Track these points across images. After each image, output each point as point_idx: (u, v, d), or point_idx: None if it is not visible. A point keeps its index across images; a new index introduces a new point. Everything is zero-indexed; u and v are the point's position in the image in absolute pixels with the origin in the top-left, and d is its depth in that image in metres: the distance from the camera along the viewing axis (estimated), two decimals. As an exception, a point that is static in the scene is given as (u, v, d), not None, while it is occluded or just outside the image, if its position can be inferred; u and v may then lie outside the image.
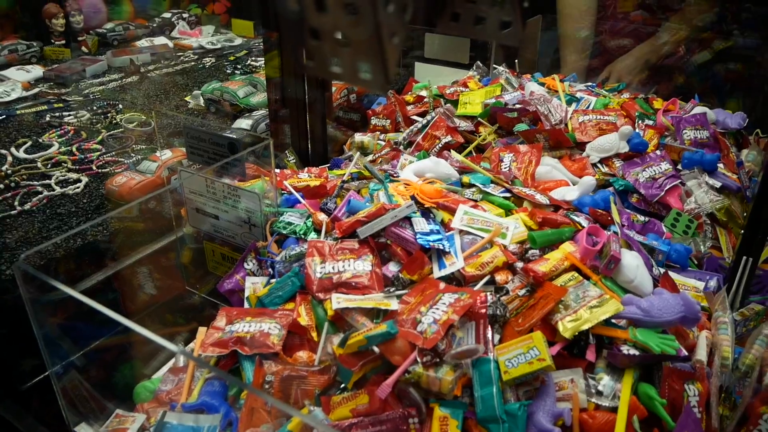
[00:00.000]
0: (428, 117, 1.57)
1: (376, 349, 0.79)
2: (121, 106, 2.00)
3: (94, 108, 1.98)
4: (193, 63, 2.58)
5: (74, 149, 1.67)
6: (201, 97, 2.01)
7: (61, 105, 2.02)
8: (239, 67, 2.50)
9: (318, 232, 1.01)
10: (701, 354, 0.78)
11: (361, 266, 0.91)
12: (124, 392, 0.91)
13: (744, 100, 2.03)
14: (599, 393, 0.75)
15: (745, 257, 1.02)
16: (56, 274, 1.10)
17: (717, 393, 0.74)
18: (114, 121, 1.88)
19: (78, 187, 1.47)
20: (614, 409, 0.73)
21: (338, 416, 0.78)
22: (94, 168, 1.57)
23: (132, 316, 1.12)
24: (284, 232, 1.03)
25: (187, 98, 2.10)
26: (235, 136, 1.08)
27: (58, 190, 1.45)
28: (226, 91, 1.94)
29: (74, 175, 1.53)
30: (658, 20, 2.20)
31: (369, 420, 0.76)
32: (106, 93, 2.17)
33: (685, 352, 0.77)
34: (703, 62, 2.11)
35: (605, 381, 0.75)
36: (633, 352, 0.76)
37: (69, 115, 1.91)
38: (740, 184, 1.27)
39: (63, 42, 2.58)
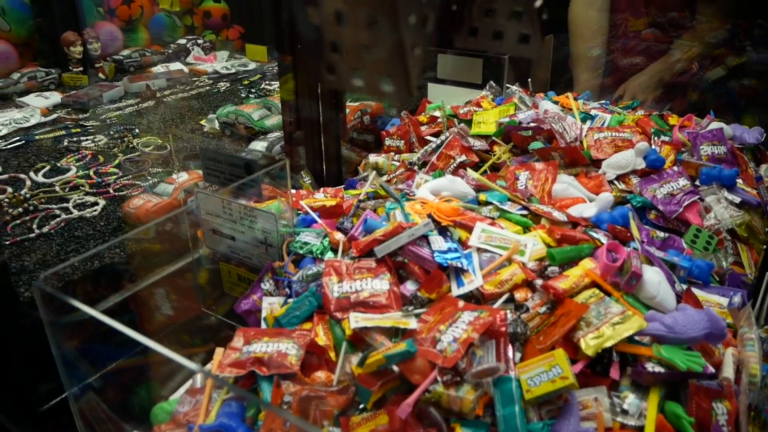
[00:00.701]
0: (442, 137, 1.58)
1: (395, 368, 0.78)
2: (137, 130, 2.03)
3: (111, 132, 2.00)
4: (208, 87, 2.62)
5: (91, 173, 1.69)
6: (216, 121, 2.03)
7: (78, 130, 2.04)
8: (253, 90, 2.53)
9: (335, 251, 1.01)
10: (728, 371, 0.77)
11: (379, 285, 0.91)
12: (142, 414, 0.90)
13: (760, 116, 2.02)
14: (624, 412, 0.73)
15: (768, 273, 1.00)
16: (74, 296, 1.10)
17: (746, 411, 0.73)
18: (131, 145, 1.90)
19: (95, 210, 1.49)
20: (640, 429, 0.71)
21: (358, 437, 0.77)
22: (111, 191, 1.58)
23: (149, 337, 1.12)
24: (301, 251, 1.03)
25: (202, 122, 2.13)
26: (251, 157, 1.09)
27: (75, 213, 1.47)
28: (241, 114, 1.96)
29: (91, 199, 1.54)
30: (669, 38, 2.21)
31: (390, 440, 0.74)
32: (123, 118, 2.20)
33: (711, 369, 0.75)
34: (716, 78, 2.11)
35: (630, 399, 0.74)
36: (658, 369, 0.74)
37: (86, 140, 1.94)
38: (760, 199, 1.25)
39: (80, 69, 2.62)
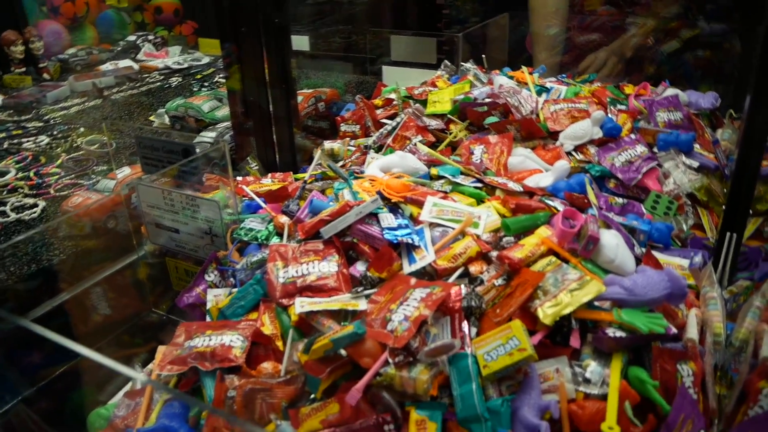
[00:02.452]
0: (398, 119, 1.53)
1: (343, 352, 0.73)
2: (82, 129, 1.94)
3: (54, 133, 1.91)
4: (159, 83, 2.53)
5: (32, 174, 1.60)
6: (165, 115, 1.95)
7: (19, 132, 1.94)
8: (206, 84, 2.45)
9: (281, 236, 0.95)
10: (692, 332, 0.73)
11: (327, 267, 0.86)
12: (78, 422, 0.84)
13: (715, 86, 2.02)
14: (587, 381, 0.69)
15: (729, 233, 0.98)
16: (5, 302, 1.03)
17: (712, 372, 0.69)
18: (75, 145, 1.82)
19: (35, 212, 1.40)
20: (604, 397, 0.67)
21: (308, 429, 0.71)
22: (52, 192, 1.50)
23: (90, 340, 1.06)
24: (246, 238, 0.97)
25: (151, 117, 2.04)
26: (188, 142, 1.02)
27: (12, 216, 1.38)
28: (191, 106, 1.88)
29: (31, 200, 1.46)
30: (624, 14, 2.21)
31: (340, 430, 0.69)
32: (68, 117, 2.10)
33: (674, 331, 0.72)
34: (672, 51, 2.11)
35: (592, 367, 0.70)
36: (620, 334, 0.70)
37: (28, 141, 1.84)
38: (718, 163, 1.23)
39: (23, 69, 2.51)
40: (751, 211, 1.14)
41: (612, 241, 0.80)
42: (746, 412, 0.65)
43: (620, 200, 1.07)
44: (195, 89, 2.40)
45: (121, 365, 0.70)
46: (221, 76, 2.57)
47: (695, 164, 1.21)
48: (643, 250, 0.87)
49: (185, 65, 2.77)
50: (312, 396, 0.76)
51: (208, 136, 1.64)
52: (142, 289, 1.17)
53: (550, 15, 2.22)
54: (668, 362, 0.69)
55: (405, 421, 0.69)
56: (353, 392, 0.69)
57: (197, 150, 1.03)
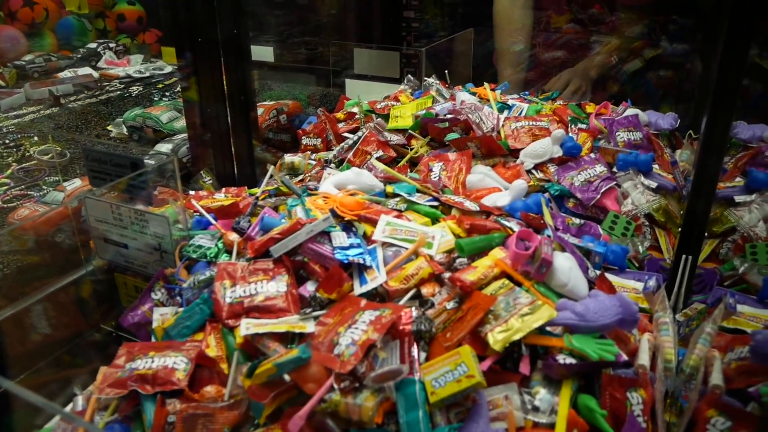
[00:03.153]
0: (359, 133, 1.52)
1: (287, 377, 0.70)
2: (36, 138, 1.88)
3: (6, 141, 1.84)
4: (119, 92, 2.47)
5: (-22, 184, 1.54)
6: (123, 125, 1.90)
7: (-31, 139, 1.88)
8: (167, 94, 2.40)
9: (230, 253, 0.92)
10: (643, 358, 0.72)
11: (275, 287, 0.83)
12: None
13: (676, 106, 2.06)
14: (536, 409, 0.68)
15: (684, 256, 0.98)
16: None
17: (662, 399, 0.68)
18: (27, 154, 1.76)
19: (-21, 225, 1.35)
20: (553, 425, 0.65)
21: (249, 457, 0.69)
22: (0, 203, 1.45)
23: (31, 359, 1.00)
24: (194, 256, 0.94)
25: (109, 127, 1.99)
26: (137, 155, 0.99)
27: (-45, 227, 1.33)
28: (149, 117, 1.84)
29: (-25, 212, 1.40)
30: (589, 32, 2.24)
31: (283, 459, 0.67)
32: (22, 125, 2.04)
33: (625, 357, 0.71)
34: (635, 70, 2.14)
35: (542, 395, 0.68)
36: (569, 361, 0.69)
37: (-24, 150, 1.78)
38: (676, 184, 1.24)
39: (-23, 75, 2.44)
40: (706, 234, 1.16)
41: (565, 265, 0.79)
42: (694, 441, 0.64)
43: (577, 221, 1.06)
44: (155, 99, 2.35)
45: (41, 398, 0.66)
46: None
47: (653, 185, 1.22)
48: (597, 272, 0.87)
49: (147, 74, 2.73)
50: (256, 422, 0.73)
51: (164, 147, 1.60)
52: (89, 307, 1.13)
53: (515, 31, 2.23)
54: (618, 390, 0.68)
55: (350, 450, 0.67)
56: (296, 419, 0.66)
57: (145, 163, 1.00)
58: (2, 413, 0.84)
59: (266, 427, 0.71)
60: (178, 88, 2.48)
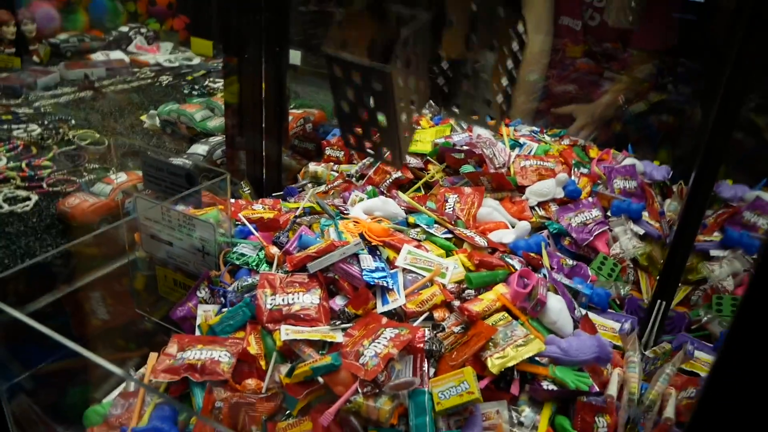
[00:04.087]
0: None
1: (320, 379, 0.84)
2: (74, 122, 2.00)
3: (45, 123, 1.96)
4: (149, 81, 2.59)
5: (23, 165, 1.66)
6: (157, 118, 2.03)
7: (9, 117, 1.99)
8: (197, 87, 2.52)
9: (270, 264, 1.07)
10: (612, 389, 0.88)
11: (310, 299, 0.97)
12: (75, 416, 0.93)
13: (674, 151, 2.18)
14: (521, 424, 0.83)
15: (659, 301, 1.13)
16: (4, 295, 1.11)
17: (624, 425, 0.84)
18: (66, 138, 1.88)
19: (27, 206, 1.47)
20: (533, 439, 0.81)
21: (283, 442, 0.83)
22: (45, 186, 1.57)
23: (83, 339, 1.14)
24: (237, 262, 1.08)
25: (142, 117, 2.11)
26: (191, 168, 1.13)
27: (6, 207, 1.45)
28: (183, 113, 1.97)
29: (23, 193, 1.52)
30: (602, 69, 2.34)
31: (312, 446, 0.81)
32: (58, 107, 2.16)
33: (596, 389, 0.86)
34: (639, 112, 2.25)
35: (526, 413, 0.83)
36: (552, 387, 0.84)
37: (18, 129, 1.89)
38: (661, 233, 1.39)
39: (13, 50, 2.54)
40: (681, 281, 1.30)
41: (556, 306, 0.94)
42: (646, 463, 0.79)
43: (570, 262, 1.21)
44: (185, 91, 2.47)
45: (114, 366, 0.79)
46: (211, 80, 2.64)
47: (641, 232, 1.36)
48: (583, 312, 1.02)
49: (176, 64, 2.84)
50: (288, 412, 0.88)
51: (200, 149, 1.73)
52: (133, 293, 1.26)
53: (533, 61, 2.34)
54: (588, 414, 0.83)
55: (367, 444, 0.81)
56: (327, 415, 0.81)
57: (200, 178, 1.14)
58: (67, 385, 0.99)
59: (298, 418, 0.85)
60: (207, 83, 2.60)
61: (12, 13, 2.54)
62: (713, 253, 1.30)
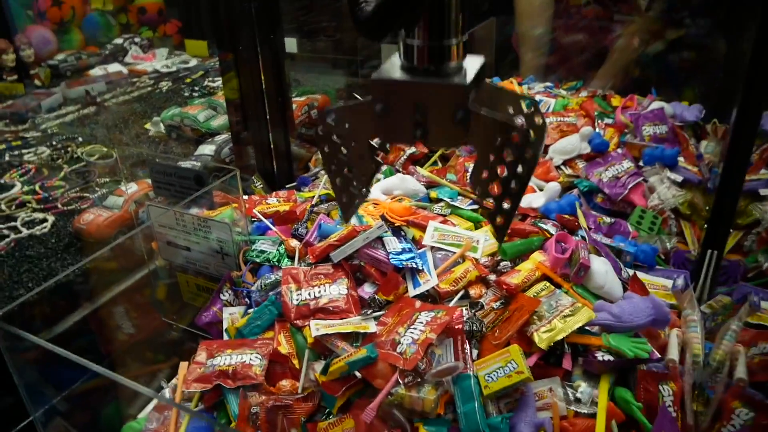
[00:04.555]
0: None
1: (357, 374, 0.79)
2: (81, 139, 1.97)
3: (54, 143, 1.94)
4: (149, 88, 2.56)
5: (37, 187, 1.64)
6: (161, 124, 1.99)
7: (19, 143, 1.98)
8: (197, 89, 2.48)
9: (291, 258, 1.02)
10: (673, 353, 0.81)
11: (337, 290, 0.92)
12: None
13: (699, 88, 2.07)
14: (578, 400, 0.77)
15: (710, 251, 1.05)
16: (31, 318, 1.08)
17: (690, 391, 0.77)
18: (75, 156, 1.85)
19: (45, 227, 1.45)
20: (593, 415, 0.74)
21: (325, 443, 0.78)
22: (60, 206, 1.54)
23: (111, 355, 1.11)
24: (258, 260, 1.03)
25: (146, 125, 2.08)
26: (200, 169, 1.08)
27: (25, 231, 1.43)
28: (186, 116, 1.92)
29: (40, 215, 1.50)
30: (610, 12, 2.24)
31: (356, 445, 0.76)
32: (64, 127, 2.13)
33: (657, 354, 0.79)
34: (656, 53, 2.14)
35: (583, 388, 0.77)
36: (607, 357, 0.78)
37: (28, 153, 1.88)
38: (701, 177, 1.30)
39: (15, 77, 2.52)
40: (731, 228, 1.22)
41: (602, 269, 0.87)
42: (720, 429, 0.72)
43: (608, 219, 1.14)
44: (186, 94, 2.43)
45: (147, 389, 0.76)
46: (210, 79, 2.60)
47: (679, 179, 1.28)
48: (630, 273, 0.95)
49: (174, 68, 2.80)
50: (328, 411, 0.83)
51: (207, 149, 1.69)
52: (156, 303, 1.23)
53: (535, 14, 2.24)
54: (651, 383, 0.76)
55: (415, 437, 0.76)
56: (368, 411, 0.76)
57: (209, 178, 1.09)
58: (101, 404, 0.96)
59: (338, 417, 0.80)
60: (206, 83, 2.56)
61: (9, 41, 2.53)
62: (763, 192, 1.22)
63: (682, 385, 0.77)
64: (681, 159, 1.34)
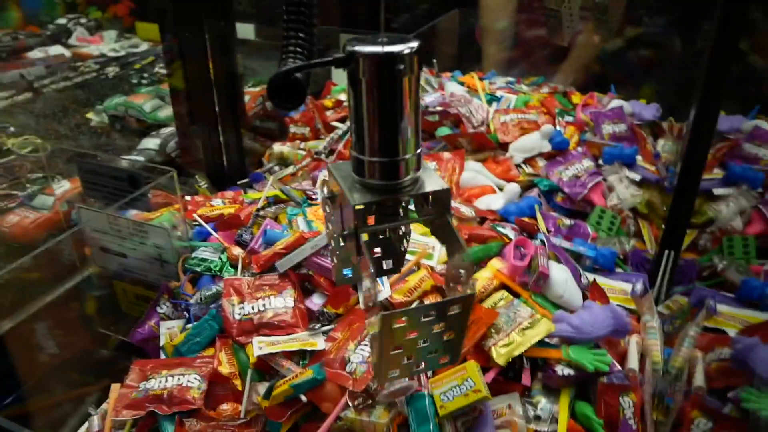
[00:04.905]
0: (348, 122, 1.52)
1: (303, 397, 0.73)
2: (12, 129, 1.84)
3: (-18, 133, 1.81)
4: (94, 74, 2.42)
5: (-40, 181, 1.52)
6: (104, 114, 1.88)
7: (-58, 129, 1.84)
8: (146, 76, 2.36)
9: (234, 267, 0.94)
10: (633, 362, 0.78)
11: (283, 303, 0.86)
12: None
13: (656, 86, 2.08)
14: (537, 418, 0.73)
15: (667, 251, 1.03)
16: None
17: (650, 400, 0.74)
18: (4, 148, 1.72)
19: (-34, 226, 1.33)
20: (554, 434, 0.70)
21: (269, 472, 0.72)
22: (-16, 203, 1.43)
23: (32, 378, 1.01)
24: (198, 269, 0.96)
25: (88, 115, 1.96)
26: (135, 168, 0.99)
27: (-60, 232, 1.31)
28: (131, 106, 1.82)
29: (-41, 213, 1.39)
30: None
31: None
32: (-5, 114, 2.00)
33: (617, 366, 0.76)
34: (616, 50, 2.14)
35: (543, 404, 0.73)
36: (568, 372, 0.74)
37: (-48, 142, 1.74)
38: (658, 176, 1.28)
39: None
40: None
41: (561, 277, 0.83)
42: (681, 441, 0.70)
43: (568, 222, 1.10)
44: (134, 81, 2.31)
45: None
46: (161, 66, 2.48)
47: (637, 178, 1.26)
48: (590, 278, 0.91)
49: (122, 53, 2.67)
50: (271, 437, 0.77)
51: (151, 143, 1.59)
52: (85, 318, 1.13)
53: (499, 7, 2.22)
54: (612, 397, 0.73)
55: (365, 464, 0.71)
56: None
57: (143, 178, 1.00)
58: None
59: (284, 443, 0.75)
60: (157, 69, 2.44)
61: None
62: (717, 191, 1.20)
63: (642, 395, 0.74)
64: (639, 158, 1.31)
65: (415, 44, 0.49)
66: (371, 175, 0.53)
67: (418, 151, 0.53)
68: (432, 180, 0.55)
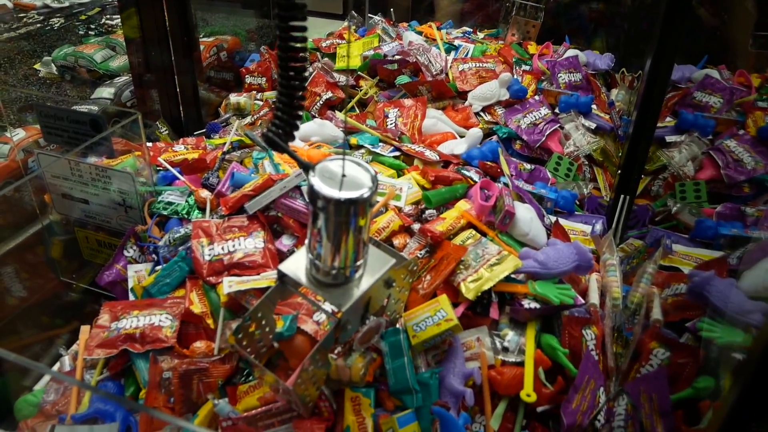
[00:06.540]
0: (305, 73, 1.51)
1: (276, 344, 0.75)
2: (-45, 79, 1.76)
3: None
4: (39, 25, 2.30)
5: None
6: (53, 64, 1.80)
7: None
8: (93, 27, 2.26)
9: (202, 210, 0.94)
10: (594, 297, 0.82)
11: (252, 244, 0.86)
12: (5, 411, 0.81)
13: (608, 39, 2.12)
14: (505, 349, 0.76)
15: (623, 196, 1.08)
16: None
17: (611, 333, 0.78)
18: (-50, 98, 1.64)
19: None
20: (521, 364, 0.74)
21: (246, 406, 0.74)
22: (-68, 155, 1.37)
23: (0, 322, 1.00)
24: (165, 213, 0.95)
25: (36, 66, 1.88)
26: (96, 112, 0.97)
27: None
28: (81, 56, 1.75)
29: None
30: None
31: (278, 407, 0.72)
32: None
33: (581, 300, 0.80)
34: (568, 3, 2.17)
35: (510, 337, 0.77)
36: (534, 305, 0.77)
37: None
38: (612, 124, 1.33)
39: None
40: (641, 173, 1.26)
41: (526, 216, 0.86)
42: (639, 369, 0.74)
43: (528, 166, 1.13)
44: (81, 32, 2.21)
45: (29, 361, 0.68)
46: (108, 17, 2.38)
47: (593, 126, 1.30)
48: (553, 219, 0.94)
49: (66, 3, 2.54)
50: (246, 372, 0.78)
51: (105, 92, 1.54)
52: (51, 262, 1.12)
53: None
54: (575, 329, 0.77)
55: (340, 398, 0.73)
56: (288, 385, 0.71)
57: (105, 123, 0.98)
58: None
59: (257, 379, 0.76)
60: (104, 20, 2.34)
61: None
62: (669, 138, 1.26)
63: (602, 328, 0.78)
64: (594, 107, 1.35)
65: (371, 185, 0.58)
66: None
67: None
68: None
